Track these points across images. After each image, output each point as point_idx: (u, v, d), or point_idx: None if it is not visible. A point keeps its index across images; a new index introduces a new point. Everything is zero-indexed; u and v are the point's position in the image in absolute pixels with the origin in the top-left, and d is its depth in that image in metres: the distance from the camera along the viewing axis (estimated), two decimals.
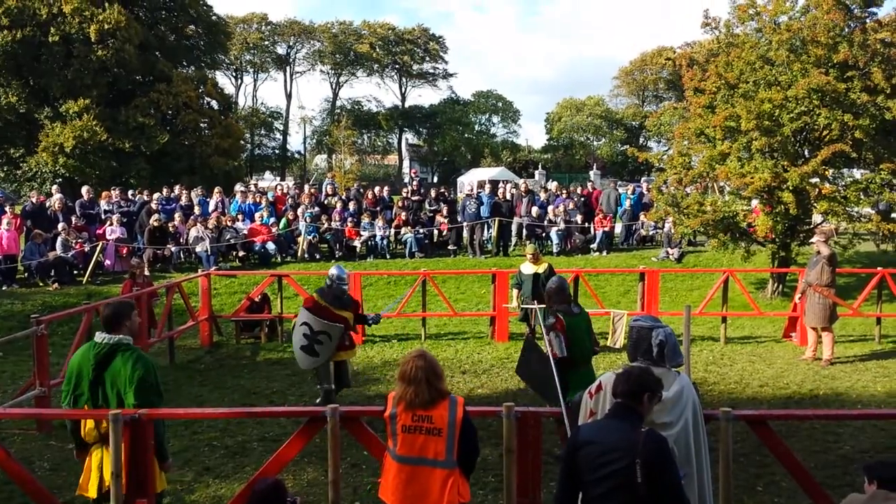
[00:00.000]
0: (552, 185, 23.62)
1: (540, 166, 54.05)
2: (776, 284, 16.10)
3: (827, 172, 14.92)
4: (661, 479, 3.46)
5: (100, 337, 5.01)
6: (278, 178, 55.55)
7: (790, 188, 14.19)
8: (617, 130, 63.40)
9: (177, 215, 18.60)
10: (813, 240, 12.31)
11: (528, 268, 11.49)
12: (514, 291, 11.59)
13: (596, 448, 3.53)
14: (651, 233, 20.98)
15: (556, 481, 3.78)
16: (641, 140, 61.67)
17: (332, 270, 9.02)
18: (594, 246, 19.94)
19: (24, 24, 32.13)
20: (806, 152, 15.24)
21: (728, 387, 10.10)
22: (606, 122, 63.74)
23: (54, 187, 20.21)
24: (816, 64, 14.29)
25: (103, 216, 18.26)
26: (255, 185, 26.23)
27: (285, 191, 22.46)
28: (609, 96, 67.40)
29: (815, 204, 14.77)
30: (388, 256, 19.15)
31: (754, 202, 16.56)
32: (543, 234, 20.02)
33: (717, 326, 13.34)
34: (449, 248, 19.84)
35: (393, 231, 19.74)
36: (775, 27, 15.06)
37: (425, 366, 4.24)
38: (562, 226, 19.74)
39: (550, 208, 20.52)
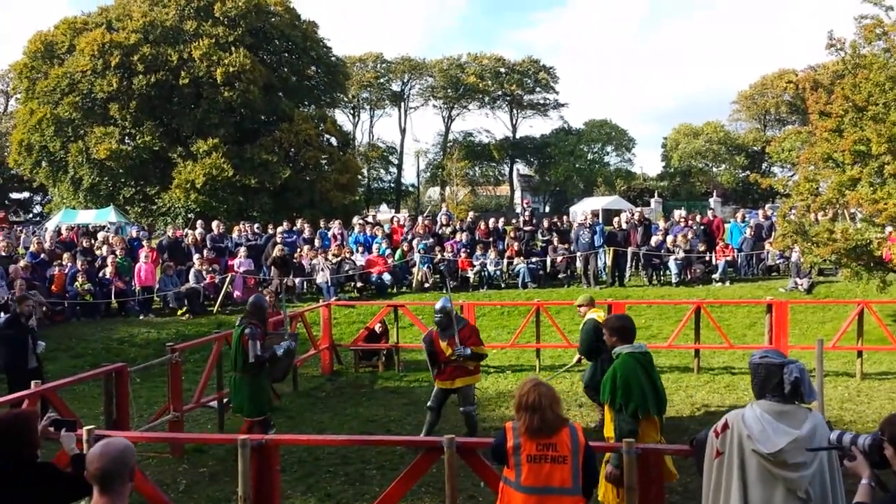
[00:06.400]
0: (676, 214, 22.74)
1: (656, 194, 52.85)
2: None
3: None
4: None
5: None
6: (393, 211, 56.85)
7: None
8: (738, 156, 61.19)
9: (306, 248, 19.36)
10: None
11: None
12: None
13: None
14: (778, 262, 20.05)
15: None
16: (764, 165, 59.24)
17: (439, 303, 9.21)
18: (716, 276, 19.27)
19: (158, 69, 34.74)
20: None
21: (865, 426, 9.46)
22: (726, 148, 61.66)
23: (199, 222, 21.36)
24: None
25: (233, 249, 19.22)
26: (372, 218, 26.92)
27: (400, 223, 22.94)
28: (728, 121, 65.38)
29: None
30: (501, 287, 19.18)
31: (889, 229, 15.58)
32: (661, 264, 19.55)
33: (851, 361, 12.57)
34: (560, 277, 19.70)
35: (506, 261, 19.77)
36: None
37: (546, 392, 4.22)
38: (680, 255, 19.19)
39: (669, 237, 20.01)
